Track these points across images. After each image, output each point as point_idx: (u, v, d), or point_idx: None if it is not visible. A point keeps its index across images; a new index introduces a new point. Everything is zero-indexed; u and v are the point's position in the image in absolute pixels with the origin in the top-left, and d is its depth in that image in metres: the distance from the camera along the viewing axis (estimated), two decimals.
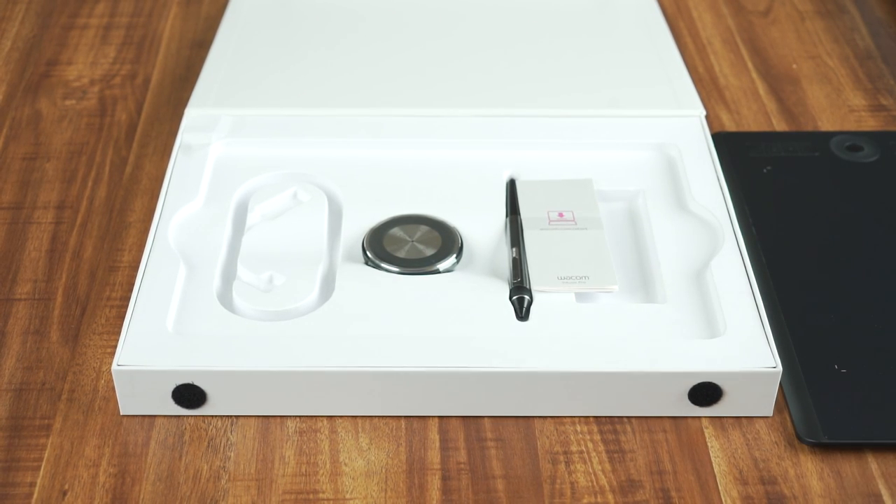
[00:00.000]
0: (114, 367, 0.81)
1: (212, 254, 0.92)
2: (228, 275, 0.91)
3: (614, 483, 0.79)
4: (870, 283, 0.92)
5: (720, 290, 0.87)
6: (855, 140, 1.08)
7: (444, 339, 0.84)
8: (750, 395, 0.82)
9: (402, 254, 0.92)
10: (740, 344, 0.83)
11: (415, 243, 0.92)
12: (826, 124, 1.13)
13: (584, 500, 0.78)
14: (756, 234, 0.97)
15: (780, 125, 1.13)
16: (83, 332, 0.90)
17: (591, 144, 1.03)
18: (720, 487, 0.79)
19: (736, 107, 1.15)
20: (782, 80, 1.19)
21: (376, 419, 0.83)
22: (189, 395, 0.82)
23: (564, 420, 0.83)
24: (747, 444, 0.82)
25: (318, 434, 0.82)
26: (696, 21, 1.28)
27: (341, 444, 0.82)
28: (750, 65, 1.21)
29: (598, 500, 0.78)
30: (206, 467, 0.80)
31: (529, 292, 0.87)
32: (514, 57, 1.15)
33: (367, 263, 0.91)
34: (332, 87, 1.09)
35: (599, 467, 0.80)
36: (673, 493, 0.79)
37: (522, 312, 0.86)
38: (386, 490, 0.79)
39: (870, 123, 1.13)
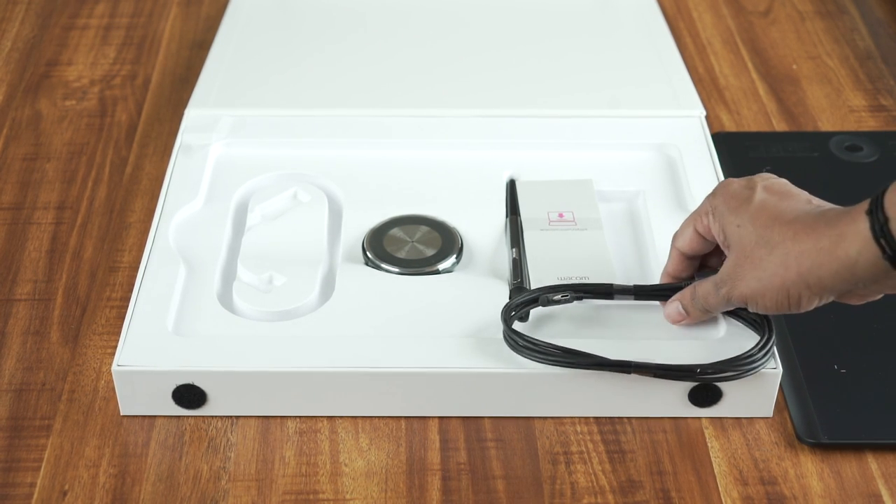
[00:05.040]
0: (114, 367, 0.81)
1: (212, 254, 0.92)
2: (228, 275, 0.91)
3: (614, 483, 0.79)
4: None
5: None
6: (854, 140, 1.08)
7: (444, 339, 0.84)
8: (750, 396, 0.82)
9: (402, 254, 0.91)
10: (740, 344, 0.83)
11: (415, 244, 0.92)
12: (826, 124, 1.13)
13: (584, 501, 0.78)
14: None
15: (779, 125, 1.13)
16: (83, 332, 0.90)
17: (591, 144, 1.03)
18: (720, 488, 0.79)
19: (736, 107, 1.15)
20: (782, 81, 1.19)
21: (376, 419, 0.83)
22: (189, 395, 0.82)
23: (564, 420, 0.83)
24: (747, 445, 0.82)
25: (319, 434, 0.82)
26: (696, 21, 1.28)
27: (341, 445, 0.82)
28: (750, 65, 1.21)
29: (598, 500, 0.78)
30: (206, 468, 0.80)
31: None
32: (514, 57, 1.15)
33: (367, 264, 0.91)
34: (332, 88, 1.09)
35: (599, 468, 0.80)
36: (673, 494, 0.79)
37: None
38: (386, 490, 0.79)
39: (870, 124, 1.13)
